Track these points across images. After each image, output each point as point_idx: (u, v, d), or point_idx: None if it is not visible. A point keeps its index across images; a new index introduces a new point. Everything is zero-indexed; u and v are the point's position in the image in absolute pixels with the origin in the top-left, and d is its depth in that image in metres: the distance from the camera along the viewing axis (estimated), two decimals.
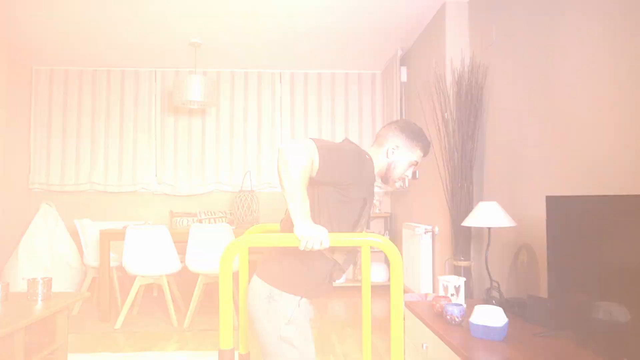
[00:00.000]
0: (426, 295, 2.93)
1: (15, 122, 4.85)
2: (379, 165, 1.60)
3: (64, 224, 4.84)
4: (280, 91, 5.34)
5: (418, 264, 3.89)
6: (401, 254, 4.36)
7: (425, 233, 3.80)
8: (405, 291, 4.11)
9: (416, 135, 1.60)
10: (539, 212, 2.43)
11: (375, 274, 5.00)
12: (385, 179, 1.62)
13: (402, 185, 4.56)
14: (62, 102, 5.17)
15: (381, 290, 4.87)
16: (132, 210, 5.23)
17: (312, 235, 1.32)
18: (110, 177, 5.16)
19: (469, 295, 2.98)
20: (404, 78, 4.61)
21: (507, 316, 2.15)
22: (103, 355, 2.97)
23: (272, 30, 4.11)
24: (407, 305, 2.46)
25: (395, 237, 5.10)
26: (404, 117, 4.68)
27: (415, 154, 1.60)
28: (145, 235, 3.59)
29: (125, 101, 5.22)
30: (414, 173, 4.34)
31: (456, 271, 3.09)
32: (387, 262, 5.14)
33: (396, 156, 1.59)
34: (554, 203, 1.90)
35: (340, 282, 5.05)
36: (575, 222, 1.76)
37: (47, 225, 4.69)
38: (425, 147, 1.61)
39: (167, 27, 4.04)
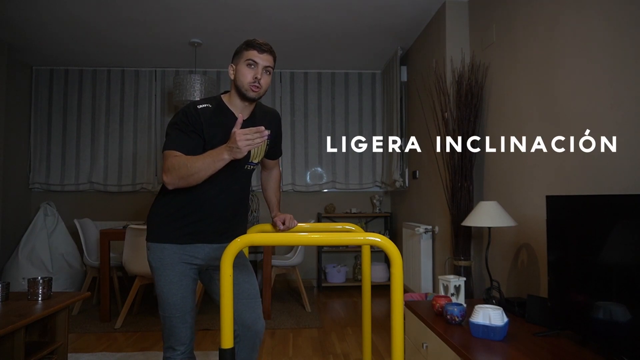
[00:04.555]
0: (426, 295, 2.93)
1: (15, 122, 4.85)
2: (236, 85, 1.68)
3: (64, 224, 4.84)
4: (280, 91, 5.34)
5: (418, 264, 3.89)
6: (401, 254, 4.35)
7: (425, 232, 3.79)
8: (405, 291, 4.11)
9: (242, 44, 1.68)
10: (539, 212, 2.43)
11: (375, 273, 5.00)
12: (244, 91, 1.66)
13: (401, 184, 4.56)
14: (62, 102, 5.17)
15: (381, 290, 4.87)
16: (132, 210, 5.23)
17: (246, 138, 1.45)
18: (110, 177, 5.16)
19: (469, 295, 2.98)
20: (404, 78, 4.61)
21: (507, 316, 2.15)
22: (103, 355, 2.97)
23: (272, 30, 4.11)
24: (407, 305, 2.46)
25: (395, 237, 5.10)
26: (404, 117, 4.68)
27: (246, 54, 1.65)
28: (145, 235, 3.58)
29: (125, 101, 5.21)
30: (413, 172, 4.37)
31: (456, 271, 3.09)
32: (387, 262, 5.14)
33: (236, 69, 1.68)
34: (554, 203, 1.90)
35: (340, 282, 5.05)
36: (575, 222, 1.76)
37: (47, 225, 4.69)
38: (251, 42, 1.64)
39: (167, 27, 4.04)
